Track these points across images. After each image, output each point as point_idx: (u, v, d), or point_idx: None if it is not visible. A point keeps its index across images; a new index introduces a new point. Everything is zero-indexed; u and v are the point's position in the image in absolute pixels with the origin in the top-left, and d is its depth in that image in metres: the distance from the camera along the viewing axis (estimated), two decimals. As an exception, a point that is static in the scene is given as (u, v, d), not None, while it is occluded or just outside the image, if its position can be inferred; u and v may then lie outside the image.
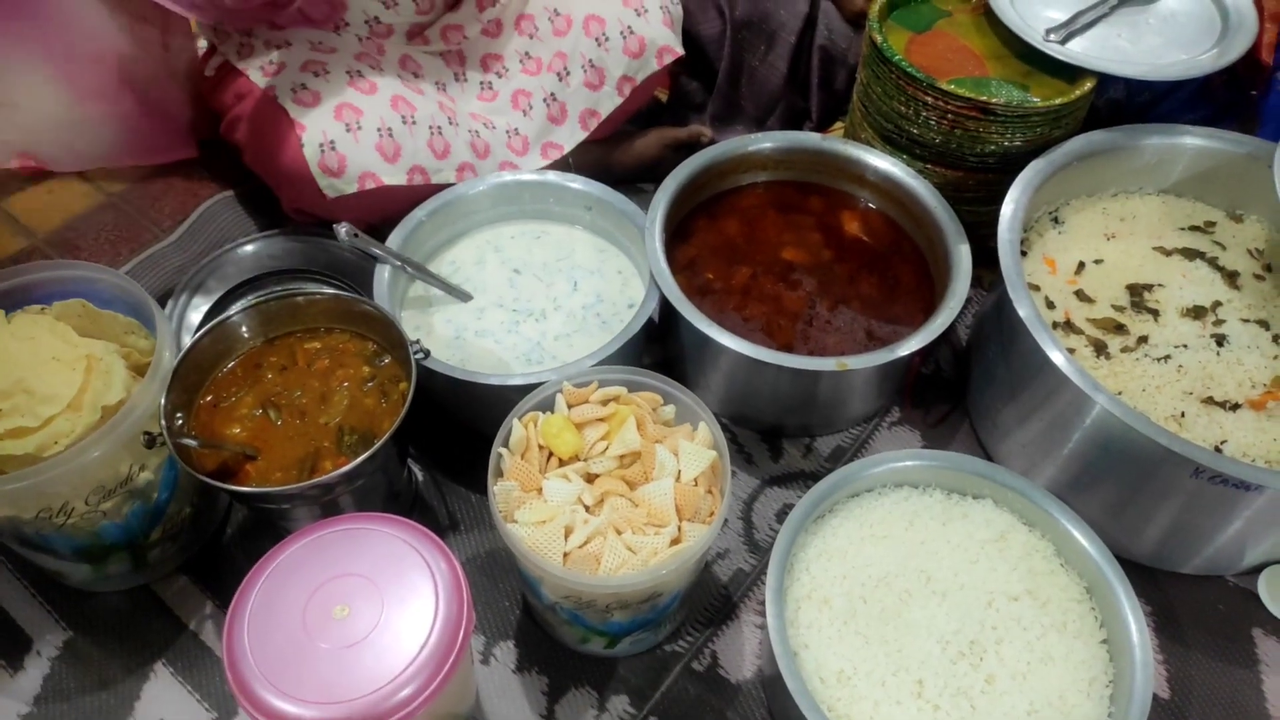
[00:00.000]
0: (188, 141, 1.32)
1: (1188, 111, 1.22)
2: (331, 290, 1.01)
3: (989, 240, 1.00)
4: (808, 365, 0.96)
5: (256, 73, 1.12)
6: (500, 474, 0.81)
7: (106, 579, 0.93)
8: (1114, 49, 1.11)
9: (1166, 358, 0.95)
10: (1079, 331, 0.99)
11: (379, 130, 1.07)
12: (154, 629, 0.94)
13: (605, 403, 0.84)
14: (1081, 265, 1.05)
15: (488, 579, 0.98)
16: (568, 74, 1.20)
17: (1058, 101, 1.06)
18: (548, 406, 0.85)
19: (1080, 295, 1.02)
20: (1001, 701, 0.77)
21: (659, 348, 1.14)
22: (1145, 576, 0.98)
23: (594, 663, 0.92)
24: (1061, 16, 1.13)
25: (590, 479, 0.81)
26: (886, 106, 1.13)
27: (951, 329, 1.04)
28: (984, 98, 1.05)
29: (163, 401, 0.83)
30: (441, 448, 1.07)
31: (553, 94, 1.21)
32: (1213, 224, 1.10)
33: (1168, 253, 1.06)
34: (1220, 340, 0.97)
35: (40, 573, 0.96)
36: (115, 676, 0.91)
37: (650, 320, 1.01)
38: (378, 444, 0.82)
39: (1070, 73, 1.10)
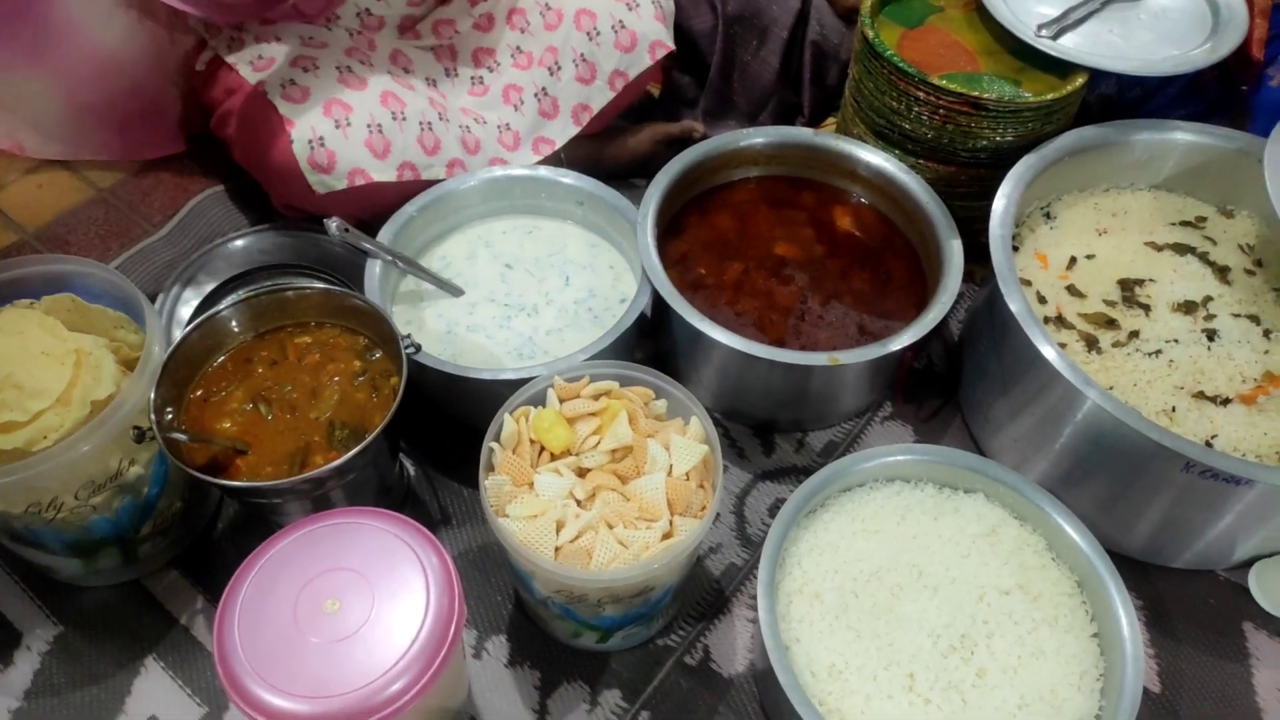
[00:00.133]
0: (178, 137, 1.31)
1: (1179, 107, 1.22)
2: (322, 285, 1.01)
3: (981, 235, 1.01)
4: (799, 360, 0.96)
5: (246, 68, 1.11)
6: (492, 468, 0.81)
7: (97, 574, 0.93)
8: (1106, 44, 1.12)
9: (1157, 352, 0.95)
10: (1070, 326, 0.99)
11: (369, 126, 1.07)
12: (145, 624, 0.94)
13: (597, 397, 0.84)
14: (1073, 260, 1.05)
15: (480, 573, 0.98)
16: (559, 68, 1.20)
17: (1049, 97, 1.06)
18: (539, 401, 0.84)
19: (1072, 290, 1.03)
20: (992, 695, 0.77)
21: (651, 343, 1.14)
22: (1136, 571, 0.98)
23: (586, 657, 0.92)
24: (1053, 12, 1.13)
25: (582, 473, 0.81)
26: (878, 102, 1.13)
27: (943, 324, 1.04)
28: (976, 93, 1.06)
29: (152, 396, 0.82)
30: (433, 442, 1.07)
31: (544, 89, 1.21)
32: (1204, 219, 1.10)
33: (1159, 248, 1.06)
34: (1211, 335, 0.97)
35: (30, 567, 0.96)
36: (106, 671, 0.91)
37: (642, 315, 1.01)
38: (369, 438, 0.82)
39: (1062, 68, 1.10)
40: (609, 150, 1.31)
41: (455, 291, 1.08)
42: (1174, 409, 0.92)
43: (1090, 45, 1.11)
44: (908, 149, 1.14)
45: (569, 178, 1.13)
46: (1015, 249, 1.05)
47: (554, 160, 1.22)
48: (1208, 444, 0.89)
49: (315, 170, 1.05)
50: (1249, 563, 0.99)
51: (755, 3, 1.30)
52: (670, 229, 1.13)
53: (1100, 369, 0.95)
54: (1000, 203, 1.01)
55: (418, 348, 0.91)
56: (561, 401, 0.84)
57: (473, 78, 1.24)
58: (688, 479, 0.80)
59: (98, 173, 1.30)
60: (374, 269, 1.02)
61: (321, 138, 1.04)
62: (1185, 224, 1.09)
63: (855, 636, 0.81)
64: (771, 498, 1.04)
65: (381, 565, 0.71)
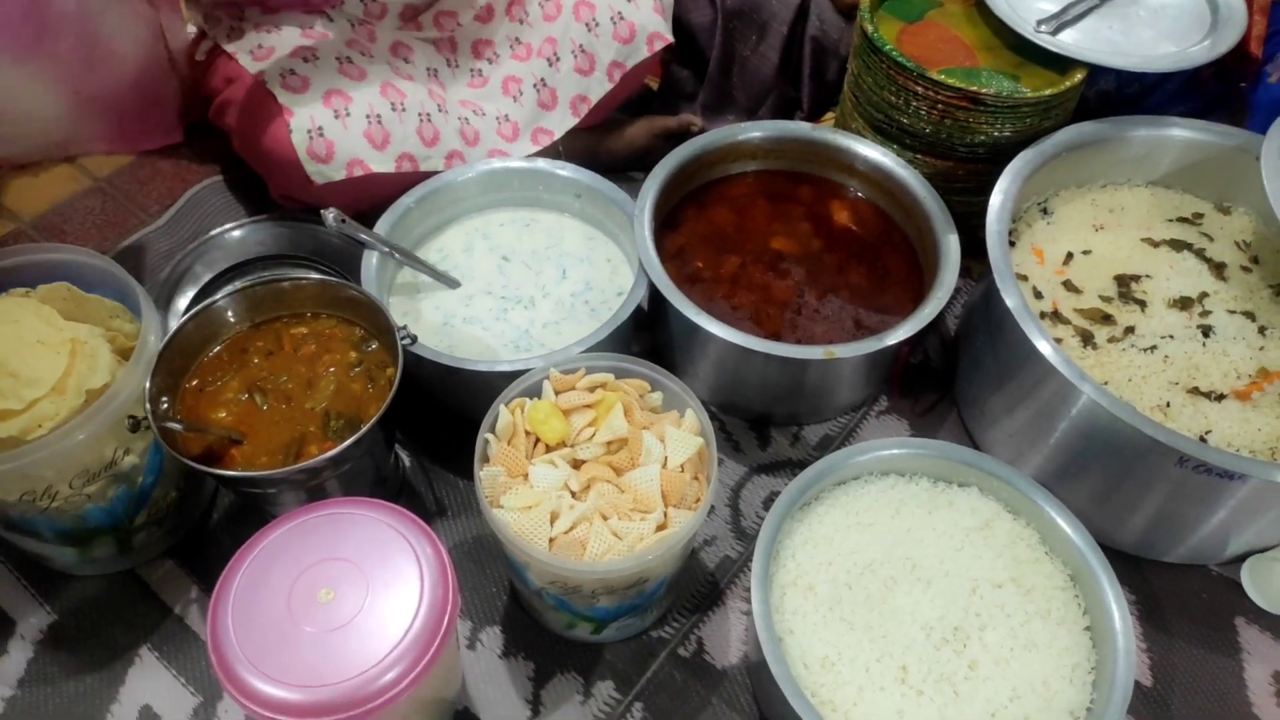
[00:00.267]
0: (176, 128, 1.31)
1: (1177, 104, 1.22)
2: (318, 275, 1.00)
3: (978, 230, 1.01)
4: (795, 354, 0.96)
5: (246, 57, 1.11)
6: (487, 459, 0.81)
7: (91, 563, 0.93)
8: (1105, 40, 1.11)
9: (1153, 348, 0.95)
10: (1066, 321, 0.99)
11: (368, 117, 1.07)
12: (139, 613, 0.94)
13: (593, 389, 0.84)
14: (1070, 256, 1.05)
15: (474, 564, 0.98)
16: (558, 59, 1.20)
17: (1048, 92, 1.06)
18: (535, 393, 0.85)
19: (1068, 285, 1.03)
20: (984, 687, 0.78)
21: (648, 335, 1.14)
22: (1129, 565, 0.99)
23: (580, 648, 0.92)
24: (1052, 8, 1.13)
25: (577, 465, 0.81)
26: (877, 96, 1.13)
27: (940, 318, 1.04)
28: (974, 88, 1.05)
29: (148, 385, 0.83)
30: (429, 433, 1.07)
31: (543, 79, 1.20)
32: (1200, 216, 1.10)
33: (1155, 244, 1.06)
34: (1206, 331, 0.97)
35: (24, 556, 0.96)
36: (100, 660, 0.91)
37: (639, 308, 1.01)
38: (364, 429, 0.82)
39: (1061, 64, 1.10)
40: (607, 143, 1.31)
41: (452, 283, 1.08)
42: (1168, 404, 0.92)
43: (1089, 41, 1.11)
44: (906, 144, 1.14)
45: (567, 170, 1.13)
46: (1012, 244, 1.05)
47: (552, 153, 1.22)
48: (1202, 439, 0.89)
49: (313, 160, 1.05)
50: (1242, 558, 0.99)
51: (755, -3, 1.30)
52: (668, 222, 1.13)
53: (1095, 364, 0.95)
54: (997, 198, 1.01)
55: (414, 339, 0.91)
56: (557, 393, 0.84)
57: (472, 69, 1.24)
58: (682, 471, 0.80)
59: (95, 162, 1.30)
60: (371, 260, 1.02)
61: (320, 128, 1.04)
62: (1182, 220, 1.09)
63: (848, 629, 0.81)
64: (766, 491, 1.05)
65: (376, 556, 0.71)
